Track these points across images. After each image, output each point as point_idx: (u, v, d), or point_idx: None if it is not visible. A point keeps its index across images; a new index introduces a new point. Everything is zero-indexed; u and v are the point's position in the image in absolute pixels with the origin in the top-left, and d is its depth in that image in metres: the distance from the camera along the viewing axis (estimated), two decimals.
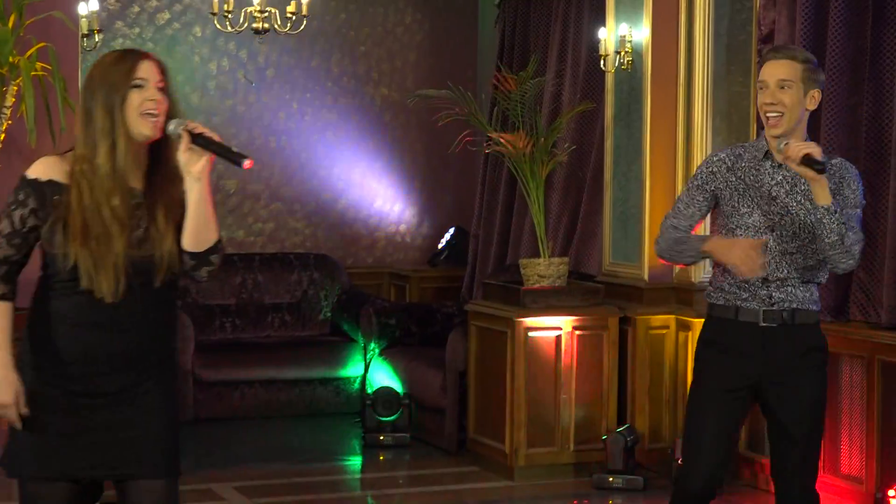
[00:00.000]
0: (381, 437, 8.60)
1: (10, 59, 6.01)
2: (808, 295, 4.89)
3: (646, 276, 7.89)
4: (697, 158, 7.72)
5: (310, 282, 10.16)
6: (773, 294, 4.85)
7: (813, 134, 7.02)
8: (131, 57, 3.92)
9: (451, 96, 8.03)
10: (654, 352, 7.82)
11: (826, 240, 4.70)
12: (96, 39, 7.60)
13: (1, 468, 4.08)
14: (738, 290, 4.86)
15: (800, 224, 4.80)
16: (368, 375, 9.32)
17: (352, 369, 9.57)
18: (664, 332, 7.83)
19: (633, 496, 7.35)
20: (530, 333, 7.56)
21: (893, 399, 6.53)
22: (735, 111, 7.72)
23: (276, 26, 7.73)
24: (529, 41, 9.69)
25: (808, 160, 4.59)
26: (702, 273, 7.72)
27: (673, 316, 7.80)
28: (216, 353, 9.36)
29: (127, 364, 3.99)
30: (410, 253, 10.81)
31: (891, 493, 6.13)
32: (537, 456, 7.60)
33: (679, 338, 7.78)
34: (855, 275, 6.79)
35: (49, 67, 6.09)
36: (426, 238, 10.76)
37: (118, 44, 9.79)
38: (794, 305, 4.86)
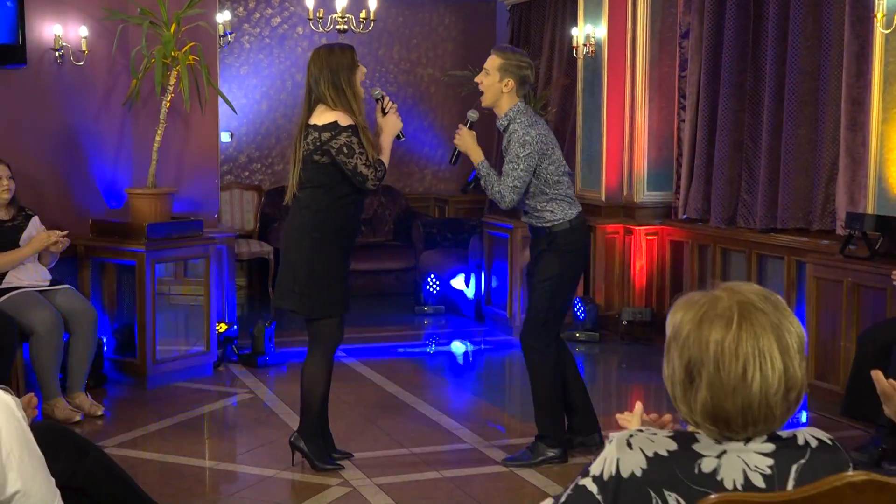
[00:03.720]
0: (426, 308, 8.78)
1: (172, 54, 6.19)
2: (543, 215, 4.72)
3: (603, 198, 7.93)
4: (639, 118, 7.77)
5: (378, 203, 10.28)
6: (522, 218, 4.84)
7: (712, 100, 7.27)
8: (351, 50, 4.60)
9: (472, 75, 8.20)
10: (609, 249, 7.87)
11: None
12: (229, 38, 7.89)
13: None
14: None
15: None
16: (418, 267, 9.46)
17: (407, 263, 9.72)
18: (615, 235, 7.86)
19: (591, 346, 7.54)
20: (523, 237, 7.55)
21: (764, 280, 6.67)
22: (664, 86, 7.75)
23: (352, 27, 7.99)
24: (531, 35, 9.73)
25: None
26: (642, 195, 7.86)
27: (622, 225, 7.83)
28: None
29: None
30: (448, 184, 10.91)
31: None
32: None
33: (626, 240, 7.82)
34: (740, 196, 6.91)
35: (197, 59, 6.24)
36: (459, 173, 10.75)
37: (245, 40, 10.10)
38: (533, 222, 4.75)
